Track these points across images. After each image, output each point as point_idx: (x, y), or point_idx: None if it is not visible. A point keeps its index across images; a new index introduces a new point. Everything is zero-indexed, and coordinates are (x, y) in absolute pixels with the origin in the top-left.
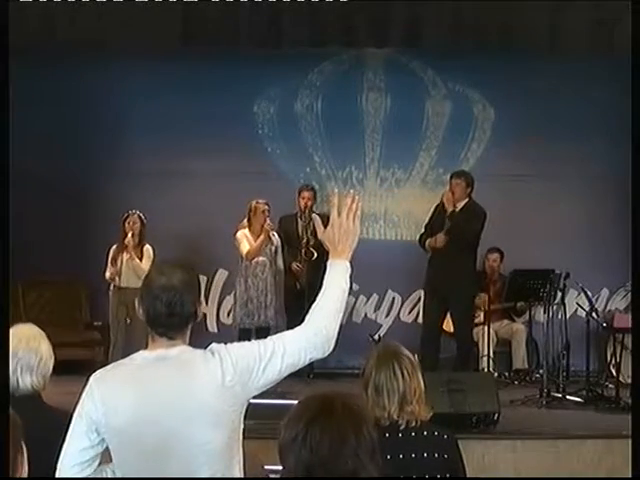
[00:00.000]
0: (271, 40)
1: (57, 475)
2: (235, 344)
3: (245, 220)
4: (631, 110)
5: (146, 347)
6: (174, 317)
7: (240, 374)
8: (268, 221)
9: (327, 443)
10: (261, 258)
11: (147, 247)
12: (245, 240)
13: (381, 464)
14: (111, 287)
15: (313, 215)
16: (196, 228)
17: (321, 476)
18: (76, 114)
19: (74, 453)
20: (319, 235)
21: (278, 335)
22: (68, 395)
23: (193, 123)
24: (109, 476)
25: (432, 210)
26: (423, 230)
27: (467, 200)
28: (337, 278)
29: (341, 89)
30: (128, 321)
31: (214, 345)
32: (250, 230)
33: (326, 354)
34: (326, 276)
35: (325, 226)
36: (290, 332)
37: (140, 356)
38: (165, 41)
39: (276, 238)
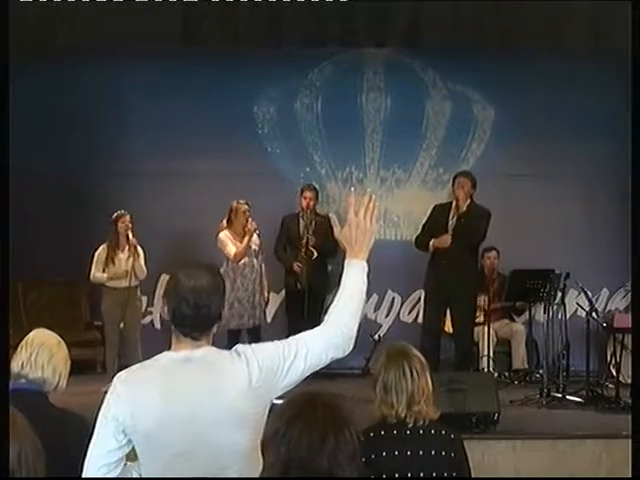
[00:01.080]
0: (271, 40)
1: (84, 477)
2: (260, 345)
3: (225, 221)
4: (631, 110)
5: (168, 347)
6: (200, 319)
7: (265, 375)
8: (251, 221)
9: (306, 441)
10: (246, 259)
11: (138, 247)
12: (230, 242)
13: (362, 467)
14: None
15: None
16: (196, 228)
17: (298, 474)
18: (76, 114)
19: (101, 455)
20: (336, 234)
21: (299, 335)
22: (68, 395)
23: (193, 123)
24: (135, 476)
25: (430, 210)
26: (420, 230)
27: (469, 201)
28: (355, 278)
29: (341, 89)
30: (122, 325)
31: (239, 346)
32: (231, 230)
33: (346, 353)
34: (344, 276)
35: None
36: (311, 332)
37: (165, 357)
38: (165, 41)
39: (255, 238)
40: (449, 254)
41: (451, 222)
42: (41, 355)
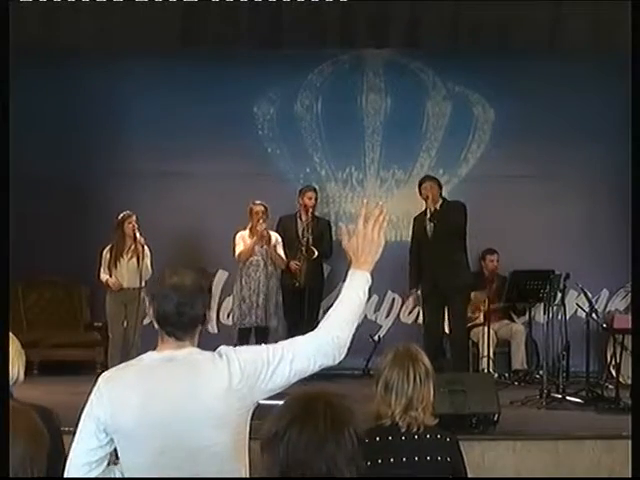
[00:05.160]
0: (271, 40)
1: (66, 475)
2: (244, 347)
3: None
4: (631, 110)
5: (154, 348)
6: (183, 317)
7: (247, 378)
8: (261, 222)
9: (304, 444)
10: (255, 258)
11: (146, 247)
12: (241, 242)
13: (363, 467)
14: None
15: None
16: (196, 229)
17: (296, 476)
18: (76, 114)
19: (83, 453)
20: (344, 245)
21: (289, 340)
22: (69, 395)
23: (193, 123)
24: (117, 476)
25: (412, 225)
26: (410, 245)
27: (441, 201)
28: (356, 288)
29: (341, 90)
30: (125, 324)
31: (223, 348)
32: (250, 231)
33: (337, 362)
34: (345, 285)
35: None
36: (302, 338)
37: (148, 357)
38: (165, 41)
39: (276, 237)
40: (436, 253)
41: (429, 226)
42: None
